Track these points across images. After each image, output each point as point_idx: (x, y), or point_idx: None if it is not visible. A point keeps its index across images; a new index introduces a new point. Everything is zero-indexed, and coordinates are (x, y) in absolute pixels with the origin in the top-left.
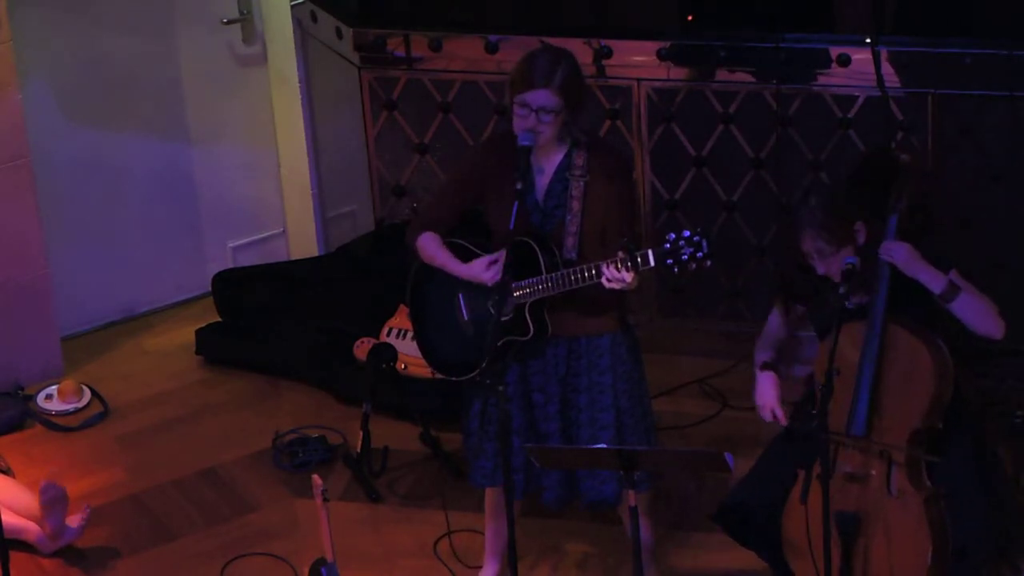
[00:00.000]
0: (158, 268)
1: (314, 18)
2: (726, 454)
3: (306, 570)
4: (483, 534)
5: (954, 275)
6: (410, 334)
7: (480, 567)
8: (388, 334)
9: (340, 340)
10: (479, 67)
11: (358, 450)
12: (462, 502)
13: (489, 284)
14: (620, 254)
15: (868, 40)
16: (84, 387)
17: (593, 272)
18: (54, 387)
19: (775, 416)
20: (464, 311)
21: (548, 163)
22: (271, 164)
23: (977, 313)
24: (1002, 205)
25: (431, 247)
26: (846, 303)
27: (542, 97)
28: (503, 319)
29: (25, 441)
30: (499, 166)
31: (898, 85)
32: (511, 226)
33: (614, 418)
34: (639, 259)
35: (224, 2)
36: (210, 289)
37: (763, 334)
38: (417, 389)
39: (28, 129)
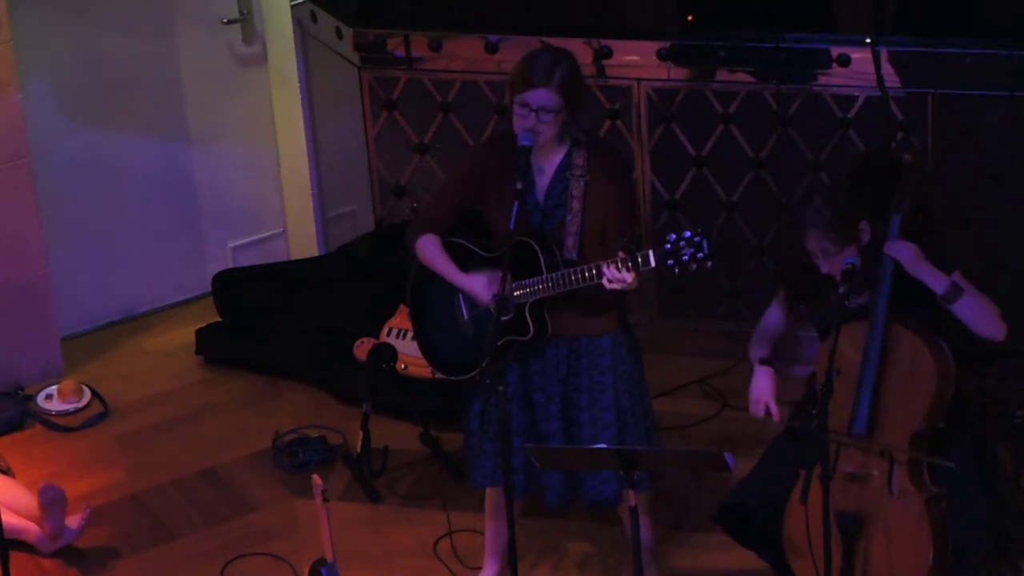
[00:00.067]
0: (158, 268)
1: (314, 18)
2: (726, 454)
3: (306, 570)
4: (483, 534)
5: (957, 276)
6: (410, 334)
7: (480, 567)
8: (388, 334)
9: (340, 340)
10: (479, 67)
11: (358, 450)
12: (462, 502)
13: (488, 299)
14: (621, 254)
15: (868, 40)
16: (84, 387)
17: (594, 272)
18: (54, 387)
19: (768, 412)
20: (464, 311)
21: (548, 163)
22: (271, 164)
23: (979, 315)
24: (1002, 205)
25: (430, 251)
26: (848, 303)
27: (542, 97)
28: (503, 319)
29: (25, 441)
30: (499, 166)
31: (898, 85)
32: (511, 226)
33: (615, 417)
34: (640, 259)
35: (224, 2)
36: (210, 289)
37: (759, 329)
38: (417, 389)
39: (28, 129)
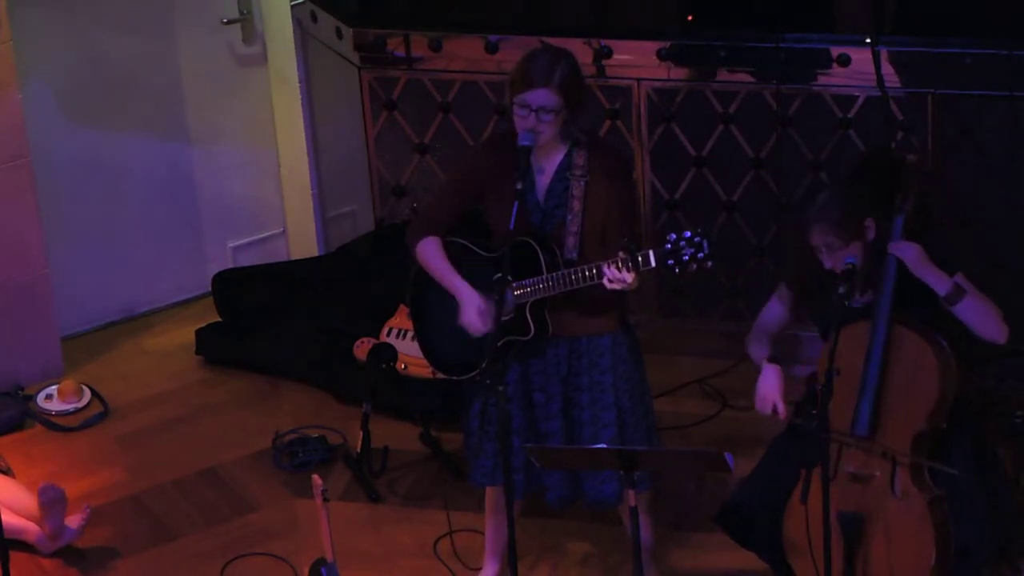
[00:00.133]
0: (158, 268)
1: (314, 18)
2: (726, 454)
3: (306, 570)
4: (483, 534)
5: (960, 278)
6: (410, 334)
7: (480, 567)
8: (388, 334)
9: (340, 340)
10: (479, 67)
11: (358, 450)
12: (462, 502)
13: (467, 322)
14: (621, 254)
15: (868, 40)
16: (84, 387)
17: (594, 272)
18: (54, 387)
19: (775, 410)
20: (460, 316)
21: (548, 163)
22: (271, 164)
23: (981, 317)
24: (1002, 205)
25: (429, 255)
26: (852, 302)
27: (542, 96)
28: (504, 319)
29: (25, 441)
30: (499, 166)
31: (898, 85)
32: (511, 226)
33: (616, 417)
34: (640, 259)
35: (224, 2)
36: (210, 289)
37: (759, 326)
38: (417, 389)
39: (28, 129)
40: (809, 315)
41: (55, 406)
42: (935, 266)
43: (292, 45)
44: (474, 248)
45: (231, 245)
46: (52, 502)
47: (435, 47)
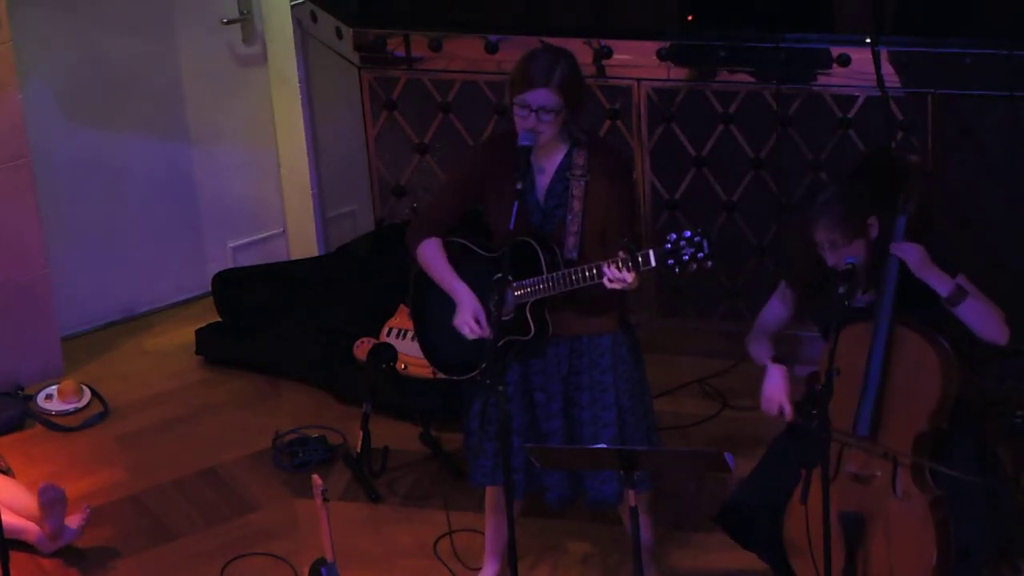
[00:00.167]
0: (158, 268)
1: (314, 18)
2: (726, 454)
3: (306, 570)
4: (483, 534)
5: (962, 279)
6: (410, 334)
7: (480, 567)
8: (388, 334)
9: (340, 340)
10: (479, 67)
11: (358, 450)
12: (462, 502)
13: (466, 334)
14: (621, 254)
15: (868, 40)
16: (84, 387)
17: (594, 272)
18: (54, 387)
19: (782, 411)
20: (455, 317)
21: (548, 163)
22: (271, 164)
23: (982, 318)
24: (1002, 205)
25: (429, 256)
26: (854, 302)
27: (541, 96)
28: (504, 319)
29: (25, 441)
30: (499, 166)
31: (898, 85)
32: (511, 226)
33: (616, 416)
34: (640, 259)
35: (224, 2)
36: (210, 289)
37: (760, 325)
38: (417, 389)
39: (28, 129)
40: (810, 315)
41: (55, 406)
42: (937, 267)
43: (292, 45)
44: (474, 248)
45: (231, 245)
46: (52, 502)
47: (435, 47)
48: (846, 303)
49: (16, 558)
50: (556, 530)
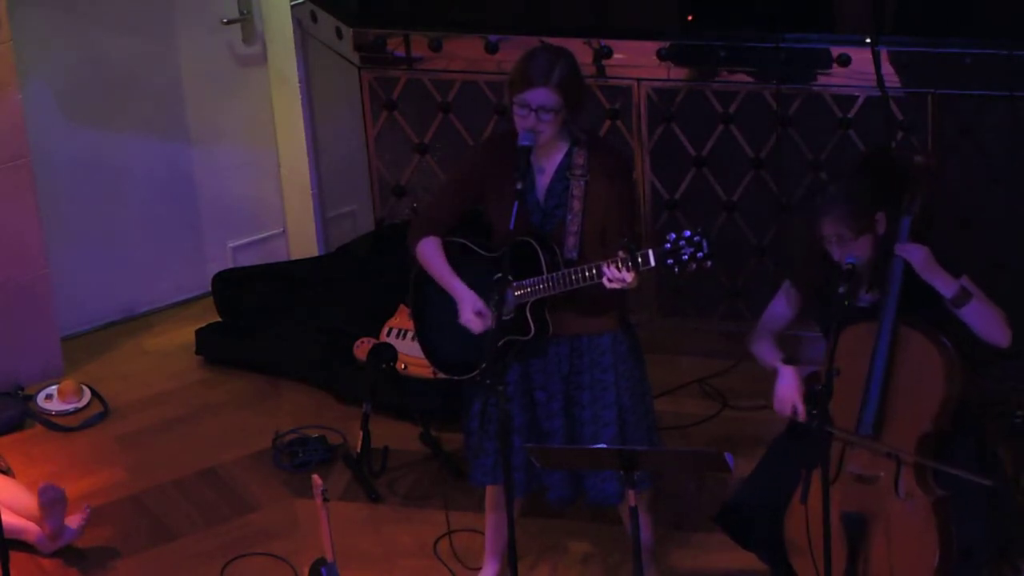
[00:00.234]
0: (158, 268)
1: (314, 18)
2: (726, 454)
3: (306, 570)
4: (483, 534)
5: (966, 281)
6: (410, 334)
7: (480, 567)
8: (388, 334)
9: (340, 340)
10: (479, 67)
11: (358, 450)
12: (462, 502)
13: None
14: (621, 254)
15: (868, 40)
16: (84, 387)
17: (594, 272)
18: (54, 387)
19: (795, 411)
20: (459, 316)
21: (548, 162)
22: (271, 164)
23: (986, 321)
24: (1002, 205)
25: (429, 255)
26: (858, 301)
27: (541, 96)
28: (504, 319)
29: (25, 441)
30: (499, 166)
31: (898, 85)
32: (511, 226)
33: (616, 415)
34: (640, 259)
35: (224, 2)
36: (210, 289)
37: (764, 325)
38: (417, 389)
39: (28, 129)
40: (813, 315)
41: (55, 406)
42: (942, 269)
43: (292, 45)
44: (474, 248)
45: (231, 245)
46: (52, 502)
47: (435, 47)
48: (846, 303)
49: (16, 558)
50: (556, 530)
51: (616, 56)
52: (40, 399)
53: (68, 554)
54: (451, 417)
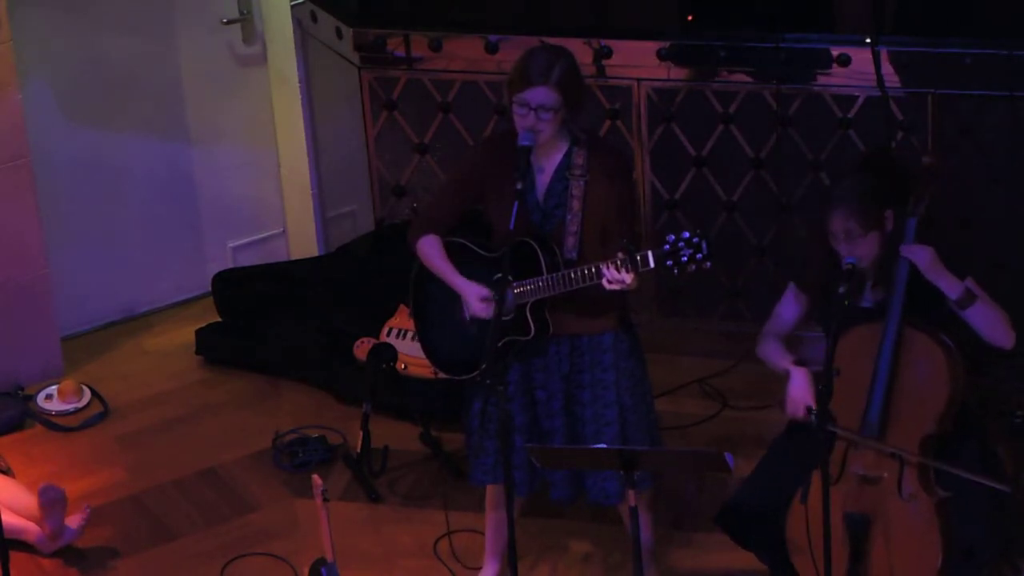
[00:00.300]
0: (158, 268)
1: (314, 18)
2: (726, 454)
3: (306, 570)
4: (483, 534)
5: (970, 282)
6: (410, 334)
7: (480, 567)
8: (388, 334)
9: (340, 340)
10: (479, 67)
11: (358, 450)
12: (462, 502)
13: (477, 312)
14: (620, 255)
15: (868, 40)
16: (84, 387)
17: (593, 272)
18: (54, 387)
19: (809, 412)
20: (467, 310)
21: (548, 162)
22: (271, 164)
23: (990, 322)
24: (1002, 205)
25: (431, 252)
26: (862, 302)
27: (540, 95)
28: (504, 319)
29: (25, 441)
30: (499, 166)
31: (898, 85)
32: (511, 226)
33: (617, 414)
34: (639, 260)
35: (224, 2)
36: (210, 289)
37: (771, 328)
38: (417, 389)
39: (28, 129)
40: (816, 315)
41: (55, 406)
42: (947, 270)
43: (292, 45)
44: (474, 248)
45: (231, 245)
46: (52, 502)
47: (435, 47)
48: (846, 303)
49: (16, 558)
50: (556, 530)
51: (616, 56)
52: (40, 399)
53: (68, 554)
54: (451, 417)
